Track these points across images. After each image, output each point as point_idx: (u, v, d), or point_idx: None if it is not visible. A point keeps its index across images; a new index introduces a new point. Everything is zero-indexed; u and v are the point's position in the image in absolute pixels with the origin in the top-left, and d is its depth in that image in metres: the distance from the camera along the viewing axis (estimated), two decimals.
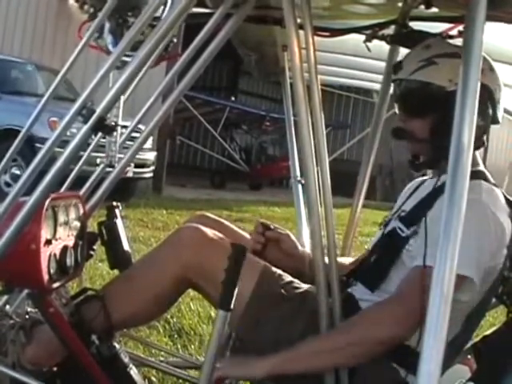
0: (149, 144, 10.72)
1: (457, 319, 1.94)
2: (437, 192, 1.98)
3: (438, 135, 2.01)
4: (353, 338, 1.86)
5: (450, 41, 2.25)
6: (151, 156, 10.99)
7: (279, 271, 2.16)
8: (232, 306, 1.74)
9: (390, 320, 1.85)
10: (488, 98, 2.03)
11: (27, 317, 2.16)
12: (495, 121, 2.10)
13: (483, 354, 2.15)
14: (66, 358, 2.09)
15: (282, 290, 2.10)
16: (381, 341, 1.85)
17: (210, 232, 2.11)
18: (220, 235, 2.12)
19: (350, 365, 1.91)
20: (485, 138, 2.12)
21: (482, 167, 2.10)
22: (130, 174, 10.04)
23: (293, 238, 2.38)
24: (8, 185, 9.41)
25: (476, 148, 2.07)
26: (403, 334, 1.86)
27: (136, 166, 10.13)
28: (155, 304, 2.15)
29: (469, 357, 2.26)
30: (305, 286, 2.14)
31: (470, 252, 1.80)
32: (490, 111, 2.06)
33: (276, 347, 2.00)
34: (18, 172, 9.30)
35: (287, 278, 2.16)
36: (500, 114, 2.10)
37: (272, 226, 2.35)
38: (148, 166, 10.88)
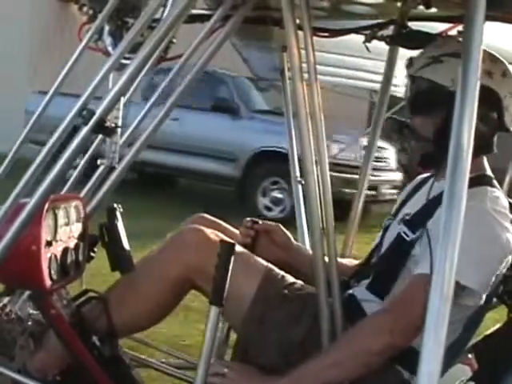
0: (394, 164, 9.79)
1: (458, 322, 1.93)
2: (439, 199, 1.97)
3: (440, 135, 2.00)
4: (351, 352, 1.87)
5: None
6: (398, 176, 9.83)
7: (282, 272, 2.16)
8: (226, 302, 1.75)
9: (382, 330, 1.85)
10: (493, 103, 1.99)
11: (32, 322, 2.15)
12: (503, 128, 2.05)
13: (484, 353, 2.15)
14: (70, 366, 2.09)
15: (285, 291, 2.10)
16: (377, 352, 1.85)
17: (211, 233, 2.12)
18: (221, 235, 2.13)
19: (355, 377, 1.89)
20: (494, 144, 2.08)
21: (488, 172, 2.09)
22: (388, 197, 9.13)
23: (284, 229, 2.38)
24: (269, 209, 8.74)
25: (482, 153, 2.06)
26: (399, 343, 1.86)
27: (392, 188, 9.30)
28: (157, 306, 2.15)
29: (470, 356, 2.26)
30: (307, 288, 2.14)
31: (473, 262, 1.79)
32: (495, 117, 2.02)
33: (279, 349, 2.01)
34: (280, 195, 8.62)
35: (290, 279, 2.17)
36: (510, 121, 2.05)
37: (260, 222, 2.35)
38: (396, 188, 9.70)
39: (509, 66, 2.10)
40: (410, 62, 2.12)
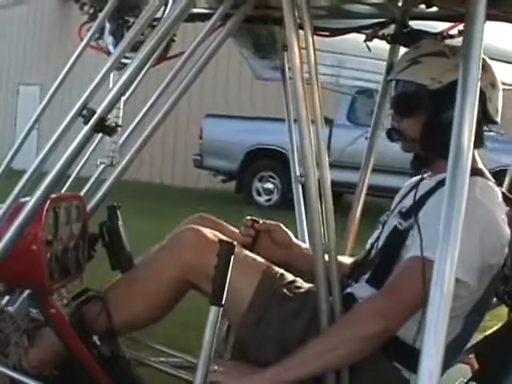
0: None
1: (457, 318, 1.94)
2: (431, 192, 2.00)
3: (427, 134, 2.03)
4: (345, 337, 1.87)
5: (449, 40, 2.25)
6: None
7: (281, 270, 2.16)
8: (225, 302, 1.75)
9: (375, 314, 1.85)
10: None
11: (29, 319, 2.16)
12: (489, 119, 2.06)
13: (484, 353, 2.15)
14: (67, 361, 2.09)
15: (284, 289, 2.10)
16: (370, 336, 1.85)
17: (209, 233, 2.11)
18: (220, 235, 2.12)
19: (350, 362, 1.91)
20: (483, 138, 2.06)
21: (480, 165, 2.09)
22: None
23: (284, 228, 2.37)
24: None
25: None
26: (393, 327, 1.87)
27: None
28: (157, 306, 2.15)
29: (470, 356, 2.26)
30: (306, 286, 2.15)
31: (463, 253, 1.79)
32: (480, 109, 1.95)
33: (278, 346, 2.01)
34: None
35: (289, 277, 2.17)
36: (494, 112, 2.06)
37: (261, 221, 2.35)
38: None
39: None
40: (392, 67, 2.15)
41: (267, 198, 11.00)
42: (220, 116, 11.64)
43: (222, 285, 1.74)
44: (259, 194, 11.08)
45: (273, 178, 10.93)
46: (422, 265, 1.77)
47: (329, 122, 10.50)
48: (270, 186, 11.00)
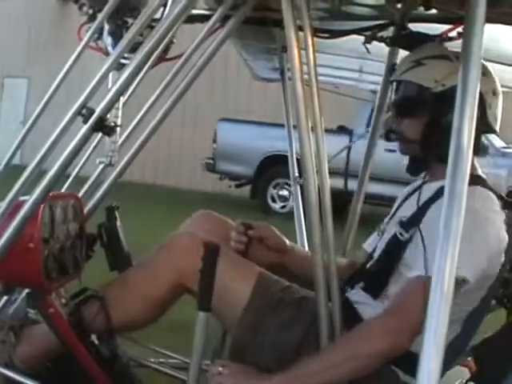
0: None
1: (456, 321, 1.93)
2: (430, 201, 1.99)
3: (428, 135, 2.03)
4: (350, 354, 1.85)
5: (450, 43, 2.25)
6: None
7: (276, 276, 2.15)
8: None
9: (385, 333, 1.84)
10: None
11: (14, 317, 2.16)
12: (488, 128, 2.06)
13: (483, 356, 2.14)
14: (61, 357, 2.09)
15: (280, 295, 2.09)
16: (378, 354, 1.84)
17: (205, 237, 2.10)
18: (215, 241, 2.11)
19: (352, 378, 1.88)
20: (479, 145, 2.05)
21: (479, 172, 2.08)
22: None
23: (277, 232, 2.34)
24: None
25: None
26: (401, 346, 1.85)
27: None
28: (153, 307, 2.15)
29: (468, 359, 2.26)
30: (303, 291, 2.14)
31: (464, 255, 1.79)
32: (479, 115, 2.01)
33: (275, 354, 2.00)
34: None
35: (285, 282, 2.15)
36: (493, 120, 2.06)
37: (253, 226, 2.31)
38: None
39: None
40: (394, 68, 2.14)
41: (282, 204, 10.86)
42: (235, 121, 11.57)
43: (208, 289, 1.69)
44: (274, 201, 10.95)
45: (288, 185, 10.79)
46: (428, 283, 1.76)
47: (348, 132, 10.48)
48: (285, 192, 10.83)
